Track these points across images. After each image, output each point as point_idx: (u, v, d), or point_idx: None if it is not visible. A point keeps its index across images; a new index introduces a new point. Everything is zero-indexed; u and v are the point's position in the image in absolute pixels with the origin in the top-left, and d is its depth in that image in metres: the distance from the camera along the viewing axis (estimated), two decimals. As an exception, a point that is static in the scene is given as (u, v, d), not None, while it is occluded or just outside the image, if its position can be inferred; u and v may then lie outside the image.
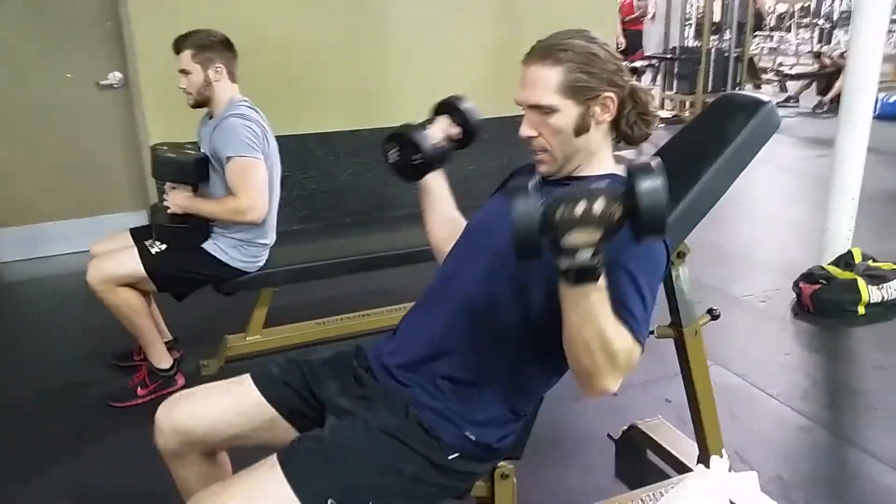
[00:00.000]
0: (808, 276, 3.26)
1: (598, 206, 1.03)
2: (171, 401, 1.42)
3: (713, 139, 1.52)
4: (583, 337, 1.12)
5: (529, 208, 1.06)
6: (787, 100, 9.13)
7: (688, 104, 8.13)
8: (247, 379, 1.45)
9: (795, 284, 3.30)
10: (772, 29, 13.73)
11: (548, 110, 1.32)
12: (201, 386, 1.49)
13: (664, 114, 8.30)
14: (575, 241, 1.03)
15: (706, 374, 1.80)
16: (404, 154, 1.57)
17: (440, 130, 1.60)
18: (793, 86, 9.50)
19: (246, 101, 2.52)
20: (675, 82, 8.31)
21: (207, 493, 1.20)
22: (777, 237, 4.41)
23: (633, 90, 1.37)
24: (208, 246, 2.51)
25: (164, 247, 2.48)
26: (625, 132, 1.39)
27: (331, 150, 4.44)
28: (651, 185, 1.04)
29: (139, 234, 2.61)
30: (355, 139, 4.48)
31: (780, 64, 11.20)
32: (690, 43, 8.68)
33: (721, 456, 1.62)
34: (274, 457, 1.23)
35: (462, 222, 1.59)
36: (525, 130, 1.37)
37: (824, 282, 3.19)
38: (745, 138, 1.50)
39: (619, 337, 1.15)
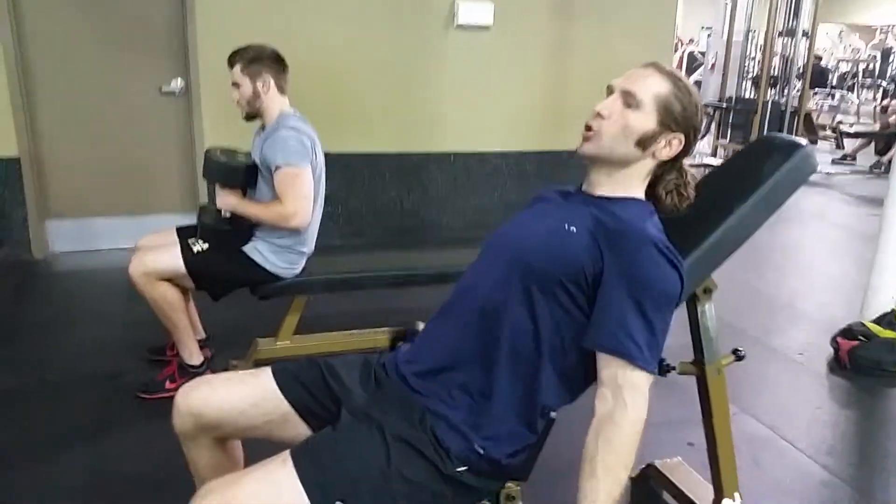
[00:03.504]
0: (847, 332, 3.19)
1: None
2: (190, 384, 1.47)
3: (748, 178, 1.52)
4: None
5: None
6: (844, 157, 8.96)
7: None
8: (266, 372, 1.48)
9: (833, 339, 3.22)
10: (833, 87, 13.53)
11: (635, 104, 1.37)
12: (222, 373, 1.53)
13: (716, 161, 8.23)
14: None
15: (726, 415, 1.77)
16: None
17: None
18: (850, 144, 9.32)
19: (296, 113, 2.60)
20: (729, 131, 8.25)
21: (220, 483, 1.23)
22: (821, 291, 4.32)
23: (683, 166, 1.45)
24: (248, 249, 2.58)
25: (205, 246, 2.56)
26: (658, 194, 1.43)
27: (377, 170, 4.53)
28: None
29: (184, 233, 2.70)
30: (401, 161, 4.57)
31: (840, 122, 11.01)
32: (750, 94, 8.62)
33: (733, 499, 1.60)
34: (287, 453, 1.25)
35: None
36: (601, 106, 1.39)
37: (863, 339, 3.11)
38: (779, 179, 1.50)
39: (628, 449, 1.25)
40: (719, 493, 1.85)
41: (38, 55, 3.97)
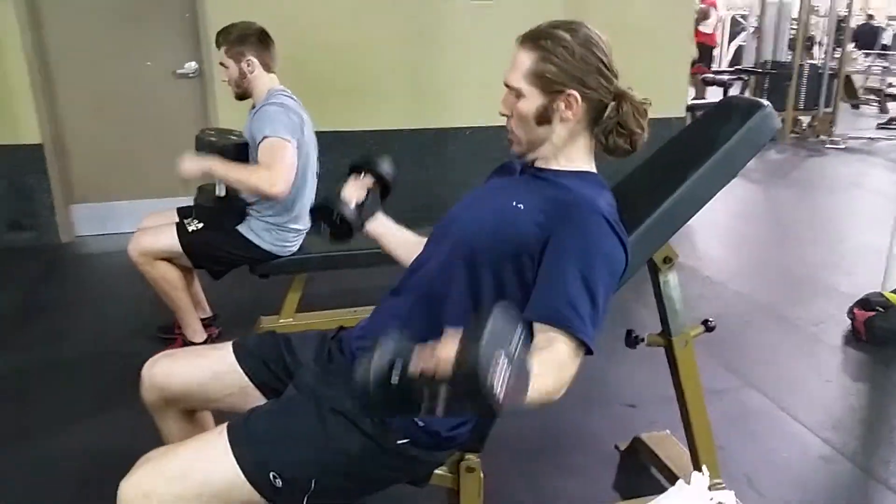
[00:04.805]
0: (864, 303, 3.08)
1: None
2: (154, 358, 1.52)
3: (705, 142, 1.47)
4: None
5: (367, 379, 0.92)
6: (890, 122, 8.59)
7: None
8: (227, 347, 1.52)
9: (850, 310, 3.12)
10: (885, 48, 12.94)
11: (517, 93, 1.35)
12: (186, 348, 1.57)
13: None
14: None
15: (697, 386, 1.73)
16: (331, 222, 1.64)
17: (353, 188, 1.68)
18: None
19: (285, 91, 2.61)
20: (764, 98, 7.97)
21: (157, 452, 1.27)
22: (849, 262, 4.17)
23: (622, 98, 1.35)
24: (242, 228, 2.61)
25: (200, 225, 2.60)
26: (599, 139, 1.38)
27: (390, 147, 4.51)
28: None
29: (185, 213, 2.75)
30: (415, 138, 4.55)
31: (890, 84, 10.53)
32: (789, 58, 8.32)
33: (702, 472, 1.57)
34: (225, 424, 1.27)
35: None
36: (501, 108, 1.40)
37: (881, 309, 3.00)
38: (735, 142, 1.43)
39: (545, 376, 1.10)
40: (697, 467, 1.82)
41: (56, 42, 4.06)
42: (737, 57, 12.05)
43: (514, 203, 1.34)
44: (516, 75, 1.35)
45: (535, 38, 1.34)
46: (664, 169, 1.45)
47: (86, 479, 2.09)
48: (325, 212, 1.63)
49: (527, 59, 1.34)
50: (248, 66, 2.54)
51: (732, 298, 3.56)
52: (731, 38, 12.89)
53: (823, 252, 4.35)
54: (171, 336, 2.90)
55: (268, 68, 2.59)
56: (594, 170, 1.42)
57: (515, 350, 0.91)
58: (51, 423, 2.39)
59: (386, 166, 1.74)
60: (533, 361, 0.99)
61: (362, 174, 1.72)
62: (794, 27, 8.54)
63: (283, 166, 2.42)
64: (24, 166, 4.06)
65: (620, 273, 1.29)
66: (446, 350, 0.90)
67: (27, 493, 2.05)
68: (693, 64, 8.57)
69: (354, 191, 1.66)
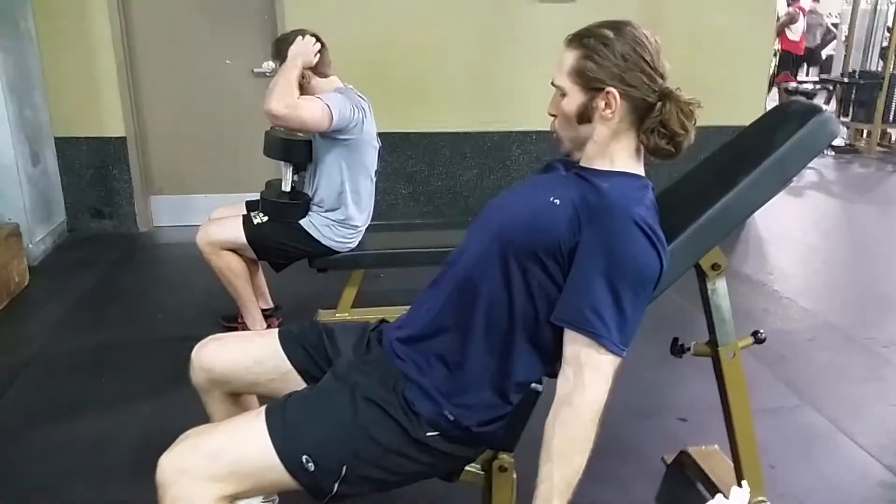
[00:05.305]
0: (941, 326, 2.93)
1: None
2: (203, 341, 1.58)
3: (758, 147, 1.43)
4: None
5: None
6: None
7: (865, 134, 7.44)
8: (273, 333, 1.57)
9: (925, 333, 2.97)
10: None
11: (561, 92, 1.37)
12: (234, 332, 1.63)
13: (836, 141, 7.66)
14: None
15: (744, 399, 1.68)
16: None
17: None
18: None
19: (352, 88, 2.67)
20: (852, 109, 7.62)
21: (197, 430, 1.31)
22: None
23: (667, 98, 1.33)
24: (304, 223, 2.69)
25: (265, 219, 2.69)
26: (642, 140, 1.36)
27: (457, 149, 4.55)
28: None
29: (252, 206, 2.85)
30: (483, 140, 4.57)
31: None
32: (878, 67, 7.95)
33: (741, 486, 1.53)
34: (263, 407, 1.32)
35: None
36: (548, 108, 1.42)
37: (959, 334, 2.85)
38: (790, 147, 1.39)
39: (584, 435, 1.24)
40: (740, 484, 1.77)
41: (142, 41, 4.28)
42: (827, 66, 11.59)
43: (551, 198, 1.34)
44: (560, 74, 1.37)
45: (579, 37, 1.35)
46: (715, 173, 1.42)
47: (142, 452, 2.18)
48: None
49: (572, 56, 1.35)
50: (304, 77, 2.58)
51: (799, 314, 3.44)
52: (822, 47, 12.39)
53: (904, 271, 4.15)
54: (233, 325, 3.01)
55: (322, 75, 2.63)
56: (640, 171, 1.41)
57: None
58: (117, 400, 2.53)
59: None
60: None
61: None
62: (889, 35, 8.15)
63: (303, 110, 2.44)
64: (108, 158, 4.30)
65: (654, 279, 1.28)
66: None
67: (89, 463, 2.17)
68: (777, 72, 8.32)
69: None
